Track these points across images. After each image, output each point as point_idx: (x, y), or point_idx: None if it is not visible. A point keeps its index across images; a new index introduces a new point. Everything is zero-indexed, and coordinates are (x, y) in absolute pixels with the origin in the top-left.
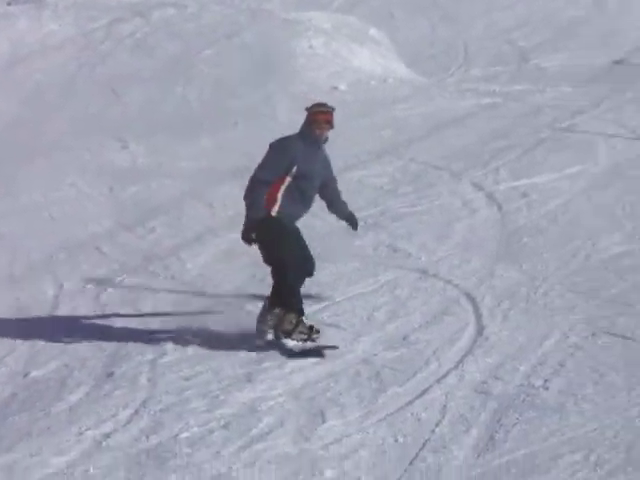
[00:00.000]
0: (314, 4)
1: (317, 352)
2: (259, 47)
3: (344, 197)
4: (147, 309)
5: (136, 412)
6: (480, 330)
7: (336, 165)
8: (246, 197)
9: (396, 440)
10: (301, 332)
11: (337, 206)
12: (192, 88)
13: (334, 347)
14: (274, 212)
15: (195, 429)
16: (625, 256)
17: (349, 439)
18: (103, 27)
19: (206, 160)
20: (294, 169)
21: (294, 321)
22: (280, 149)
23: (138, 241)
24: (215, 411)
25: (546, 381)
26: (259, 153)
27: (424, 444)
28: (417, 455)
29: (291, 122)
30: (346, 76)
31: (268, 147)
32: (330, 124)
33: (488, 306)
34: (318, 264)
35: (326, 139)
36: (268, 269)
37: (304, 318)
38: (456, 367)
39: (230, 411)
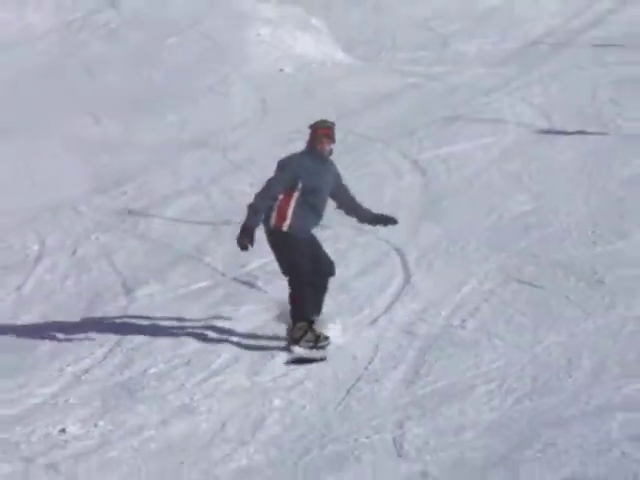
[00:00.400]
0: None
1: (311, 360)
2: (216, 35)
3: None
4: (119, 262)
5: (110, 351)
6: (407, 279)
7: (285, 137)
8: (251, 206)
9: (335, 375)
10: (308, 340)
11: (358, 212)
12: (157, 71)
13: (323, 359)
14: (285, 227)
15: (161, 365)
16: (531, 214)
17: (295, 373)
18: (80, 18)
19: (170, 133)
20: (300, 184)
21: (303, 329)
22: (285, 166)
23: (111, 203)
24: (179, 350)
25: (464, 321)
26: (217, 126)
27: (359, 378)
28: (353, 386)
29: (244, 99)
30: (291, 60)
31: (276, 165)
32: (330, 138)
33: (414, 259)
34: None
35: (330, 152)
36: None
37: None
38: (386, 312)
39: (192, 349)
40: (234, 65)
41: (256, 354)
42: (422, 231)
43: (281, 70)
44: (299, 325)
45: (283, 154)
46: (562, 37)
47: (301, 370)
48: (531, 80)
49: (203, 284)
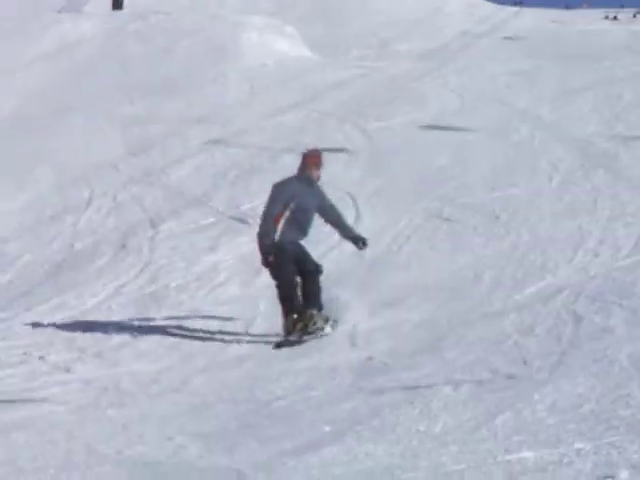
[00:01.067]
0: (252, 10)
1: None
2: (217, 39)
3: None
4: (147, 205)
5: (141, 270)
6: (358, 216)
7: (267, 113)
8: (260, 234)
9: None
10: (301, 329)
11: (341, 227)
12: (174, 65)
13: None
14: (276, 237)
15: (179, 280)
16: (448, 169)
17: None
18: (117, 26)
19: (182, 111)
20: (292, 204)
21: (294, 320)
22: (280, 188)
23: (140, 162)
24: (191, 269)
25: (399, 247)
26: (217, 105)
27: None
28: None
29: (237, 86)
30: (272, 57)
31: (271, 187)
32: (318, 165)
33: (362, 202)
34: None
35: (318, 178)
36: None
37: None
38: (341, 241)
39: (200, 269)
40: (230, 61)
41: (246, 272)
42: (368, 182)
43: (264, 64)
44: (290, 318)
45: (266, 121)
46: (469, 39)
47: None
48: (448, 71)
49: (208, 221)
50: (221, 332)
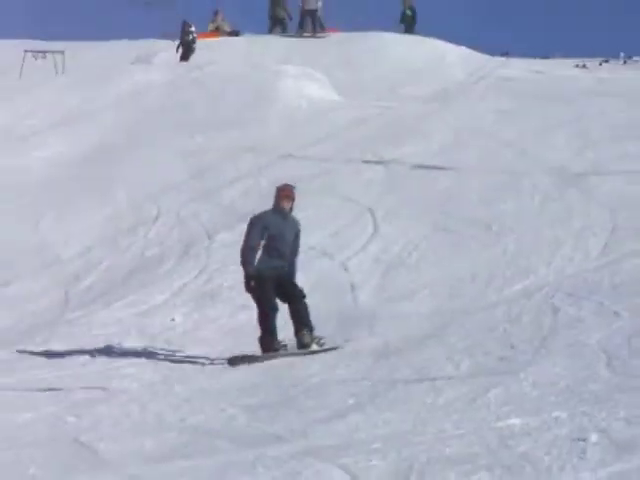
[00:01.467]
0: (288, 61)
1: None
2: (259, 84)
3: None
4: (204, 220)
5: (200, 272)
6: (376, 228)
7: (301, 143)
8: (242, 263)
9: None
10: (275, 349)
11: (292, 258)
12: (225, 106)
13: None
14: (255, 265)
15: (230, 281)
16: (449, 189)
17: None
18: (181, 75)
19: (233, 142)
20: (266, 234)
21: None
22: (256, 221)
23: (199, 185)
24: (240, 272)
25: (409, 254)
26: (261, 138)
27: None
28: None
29: (277, 123)
30: (304, 98)
31: (249, 221)
32: (290, 198)
33: (380, 216)
34: None
35: (290, 209)
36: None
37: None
38: (363, 248)
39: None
40: (271, 102)
41: None
42: (384, 200)
43: (299, 105)
44: (264, 339)
45: (301, 151)
46: (465, 84)
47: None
48: (447, 110)
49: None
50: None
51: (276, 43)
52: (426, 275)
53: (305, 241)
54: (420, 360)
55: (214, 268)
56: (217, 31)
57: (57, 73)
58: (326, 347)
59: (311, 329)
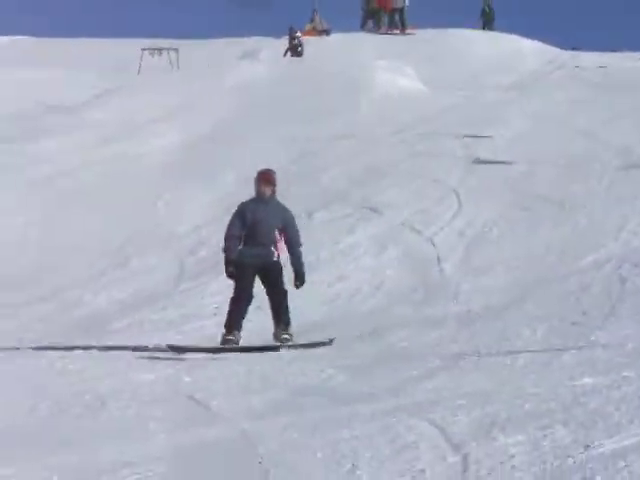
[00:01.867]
0: (380, 56)
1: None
2: (354, 78)
3: None
4: (304, 199)
5: None
6: (460, 207)
7: (392, 130)
8: (223, 249)
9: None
10: (224, 342)
11: (293, 254)
12: (323, 99)
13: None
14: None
15: (327, 254)
16: (525, 172)
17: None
18: (284, 69)
19: (331, 130)
20: (247, 222)
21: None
22: (238, 210)
23: (299, 168)
24: (336, 246)
25: (490, 229)
26: (355, 126)
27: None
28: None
29: (370, 113)
30: (395, 90)
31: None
32: (269, 182)
33: (463, 195)
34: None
35: (272, 194)
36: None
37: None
38: (448, 224)
39: (343, 246)
40: (364, 94)
41: (376, 247)
42: (467, 180)
43: (390, 96)
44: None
45: (392, 137)
46: (540, 75)
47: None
48: (523, 99)
49: (348, 211)
50: (358, 291)
51: (368, 41)
52: (505, 249)
53: (395, 218)
54: (500, 326)
55: (312, 242)
56: (313, 30)
57: (172, 68)
58: (311, 342)
59: (287, 323)
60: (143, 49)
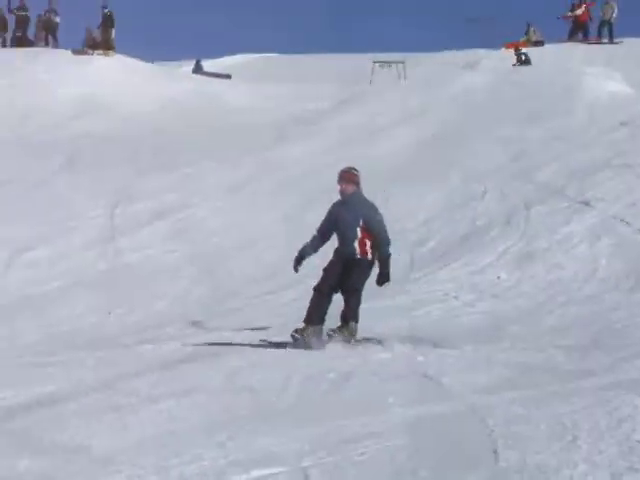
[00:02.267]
0: (590, 63)
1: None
2: (567, 83)
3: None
4: (523, 195)
5: (520, 237)
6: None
7: (602, 130)
8: (306, 243)
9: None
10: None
11: (379, 253)
12: (538, 103)
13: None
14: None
15: (544, 244)
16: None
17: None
18: (501, 78)
19: (542, 133)
20: (332, 220)
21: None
22: (328, 210)
23: (517, 166)
24: (553, 236)
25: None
26: (567, 129)
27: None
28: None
29: (581, 116)
30: (604, 93)
31: None
32: (347, 180)
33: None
34: None
35: (352, 193)
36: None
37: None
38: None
39: (559, 236)
40: (576, 98)
41: (592, 238)
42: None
43: (599, 99)
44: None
45: (603, 140)
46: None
47: None
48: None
49: (564, 205)
50: (573, 278)
51: (577, 50)
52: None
53: (607, 211)
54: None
55: (531, 234)
56: (527, 42)
57: (400, 79)
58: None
59: (356, 320)
60: (374, 62)
